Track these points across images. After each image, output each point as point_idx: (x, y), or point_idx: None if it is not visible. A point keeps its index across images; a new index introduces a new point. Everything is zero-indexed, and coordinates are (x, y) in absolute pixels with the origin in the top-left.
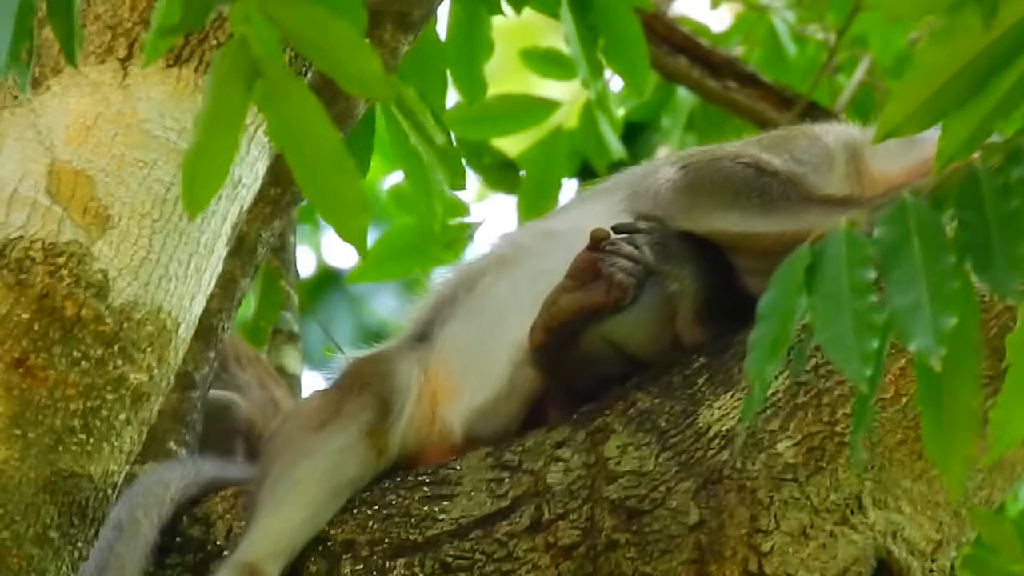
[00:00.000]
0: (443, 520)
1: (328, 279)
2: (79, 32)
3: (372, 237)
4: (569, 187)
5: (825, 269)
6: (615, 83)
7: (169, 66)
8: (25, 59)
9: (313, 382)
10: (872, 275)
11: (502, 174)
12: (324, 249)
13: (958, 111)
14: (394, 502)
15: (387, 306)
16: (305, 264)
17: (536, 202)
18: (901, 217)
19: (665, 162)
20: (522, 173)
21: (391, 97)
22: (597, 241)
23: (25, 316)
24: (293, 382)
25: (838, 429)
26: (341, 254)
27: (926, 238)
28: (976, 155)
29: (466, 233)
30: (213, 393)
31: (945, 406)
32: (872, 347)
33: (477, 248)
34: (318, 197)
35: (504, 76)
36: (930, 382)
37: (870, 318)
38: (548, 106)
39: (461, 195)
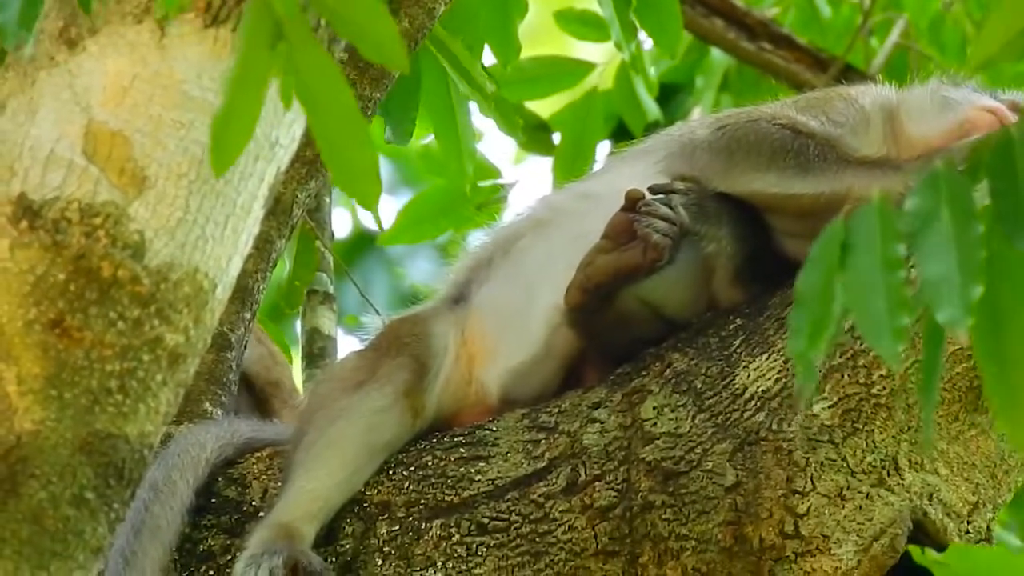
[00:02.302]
0: (479, 481)
1: (364, 241)
2: None
3: (404, 199)
4: (604, 149)
5: (858, 244)
6: (648, 44)
7: (207, 26)
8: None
9: (349, 344)
10: (903, 249)
11: (536, 136)
12: (360, 211)
13: None
14: (430, 463)
15: (422, 269)
16: (341, 226)
17: (572, 164)
18: (934, 187)
19: (701, 123)
20: (556, 135)
21: (406, 67)
22: (633, 202)
23: (61, 277)
24: (328, 343)
25: (874, 391)
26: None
27: (956, 208)
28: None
29: (498, 195)
30: None
31: (1007, 350)
32: (903, 323)
33: (513, 210)
34: (333, 160)
35: (538, 37)
36: (989, 328)
37: (901, 293)
38: (583, 68)
39: (497, 157)
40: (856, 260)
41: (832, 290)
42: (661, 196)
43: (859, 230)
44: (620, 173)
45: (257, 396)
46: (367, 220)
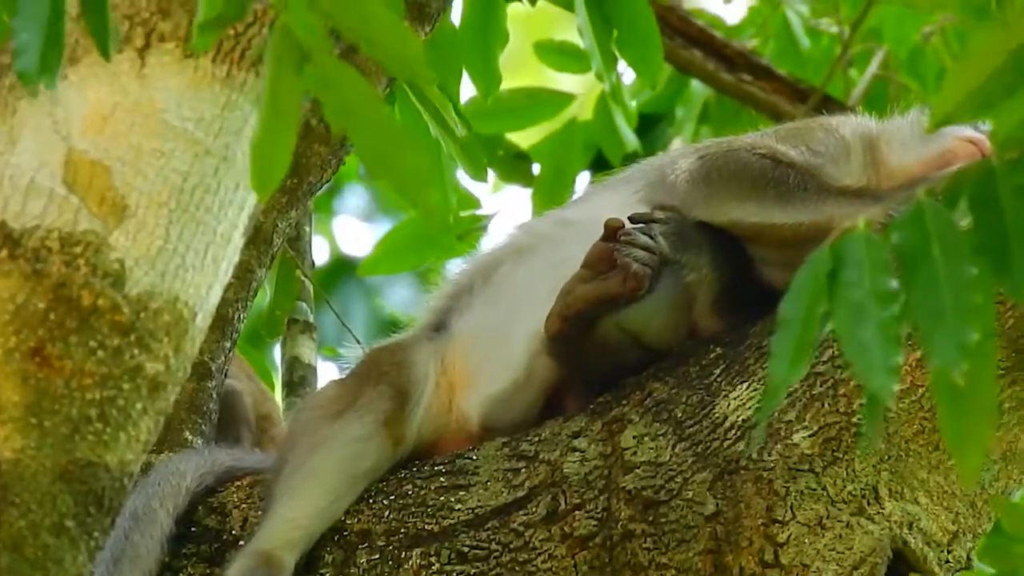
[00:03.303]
0: (459, 510)
1: (342, 268)
2: (115, 27)
3: (384, 229)
4: (584, 179)
5: (846, 276)
6: (628, 75)
7: (186, 56)
8: (58, 58)
9: (328, 372)
10: (895, 284)
11: (516, 167)
12: (338, 237)
13: (1010, 97)
14: (410, 492)
15: (401, 296)
16: (319, 253)
17: (551, 195)
18: (919, 221)
19: (682, 153)
20: (535, 166)
21: (433, 80)
22: (613, 231)
23: (42, 305)
24: (309, 372)
25: (855, 420)
26: (355, 242)
27: (946, 245)
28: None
29: (479, 225)
30: None
31: (963, 395)
32: (896, 362)
33: (493, 239)
34: (388, 174)
35: (516, 66)
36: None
37: (894, 329)
38: (563, 99)
39: (476, 187)
40: (846, 292)
41: (815, 316)
42: (641, 225)
43: (847, 260)
44: (601, 201)
45: (256, 431)
46: (346, 247)
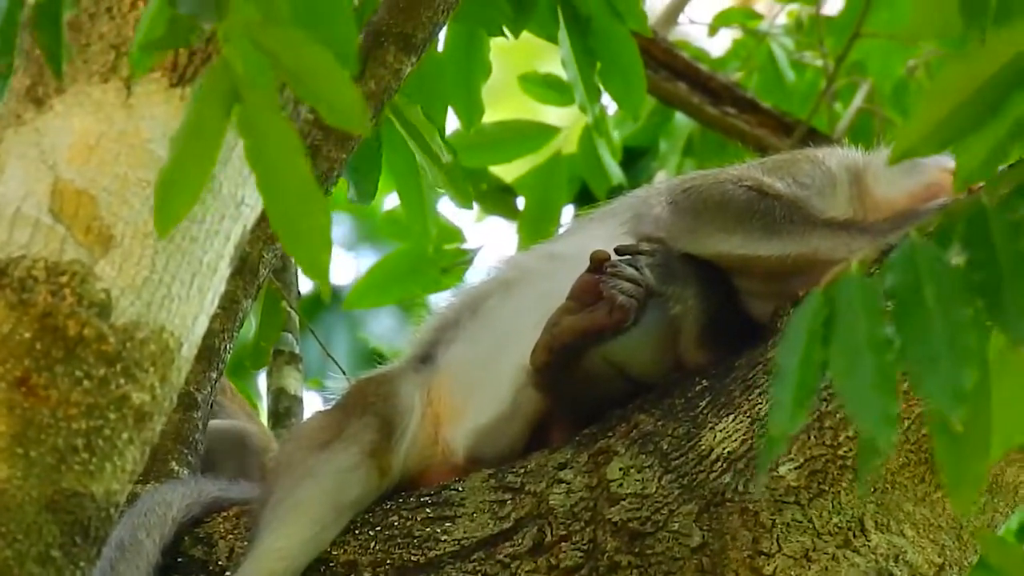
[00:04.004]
0: (445, 541)
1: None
2: (67, 45)
3: (371, 261)
4: (569, 213)
5: (841, 322)
6: (612, 107)
7: (172, 85)
8: (3, 71)
9: (314, 403)
10: (889, 330)
11: (500, 200)
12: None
13: (974, 132)
14: (396, 523)
15: (385, 325)
16: (303, 281)
17: (536, 228)
18: (911, 262)
19: (668, 185)
20: (519, 199)
21: (368, 130)
22: (598, 263)
23: (27, 335)
24: (295, 403)
25: (840, 452)
26: (338, 271)
27: (938, 286)
28: (982, 188)
29: (463, 259)
30: (225, 423)
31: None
32: (894, 411)
33: (479, 272)
34: (284, 228)
35: (499, 97)
36: None
37: (891, 376)
38: (547, 131)
39: (458, 217)
40: (841, 338)
41: (813, 364)
42: (627, 257)
43: (841, 306)
44: (587, 234)
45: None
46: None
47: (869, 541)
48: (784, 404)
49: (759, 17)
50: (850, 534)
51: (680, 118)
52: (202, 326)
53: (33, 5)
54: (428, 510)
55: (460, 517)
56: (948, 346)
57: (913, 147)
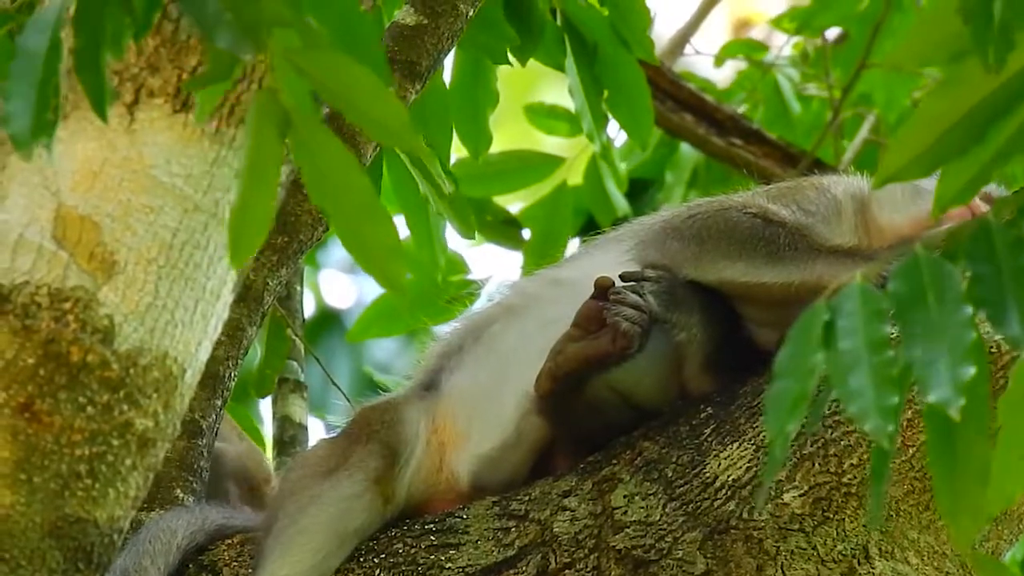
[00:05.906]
0: (449, 569)
1: (327, 320)
2: (110, 87)
3: (372, 285)
4: (575, 244)
5: (841, 324)
6: (618, 139)
7: (175, 112)
8: (52, 120)
9: (319, 430)
10: (889, 329)
11: (505, 231)
12: (323, 290)
13: (958, 158)
14: (401, 550)
15: (387, 349)
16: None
17: (542, 259)
18: (915, 271)
19: (673, 212)
20: (525, 231)
21: (416, 146)
22: (602, 290)
23: (31, 361)
24: (299, 432)
25: (845, 480)
26: (339, 296)
27: (940, 291)
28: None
29: (470, 289)
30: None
31: (956, 457)
32: (891, 402)
33: (484, 299)
34: (355, 245)
35: (504, 126)
36: (942, 433)
37: (888, 372)
38: (553, 162)
39: (463, 247)
40: (840, 340)
41: (811, 367)
42: (631, 284)
43: (842, 310)
44: (591, 261)
45: (249, 488)
46: (331, 299)
47: (874, 569)
48: (780, 404)
49: (765, 48)
50: (855, 562)
51: (686, 149)
52: (205, 352)
53: (72, 50)
54: (432, 537)
55: (464, 545)
56: (949, 341)
57: (899, 172)
